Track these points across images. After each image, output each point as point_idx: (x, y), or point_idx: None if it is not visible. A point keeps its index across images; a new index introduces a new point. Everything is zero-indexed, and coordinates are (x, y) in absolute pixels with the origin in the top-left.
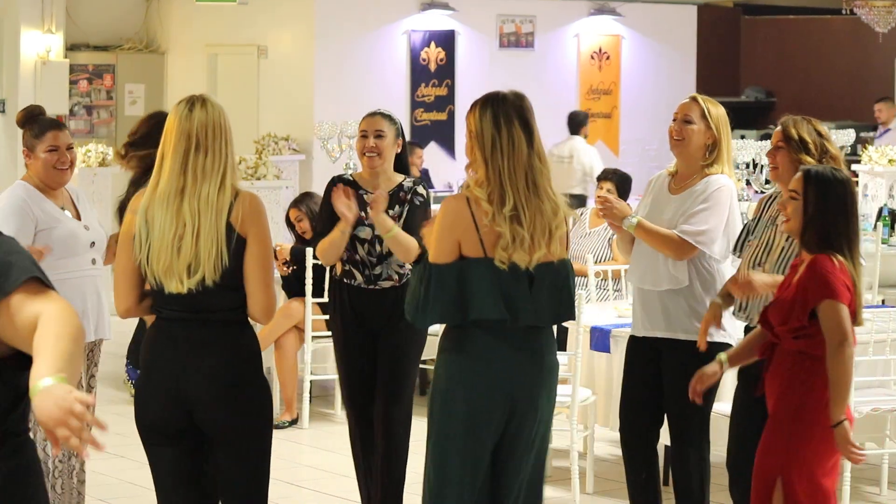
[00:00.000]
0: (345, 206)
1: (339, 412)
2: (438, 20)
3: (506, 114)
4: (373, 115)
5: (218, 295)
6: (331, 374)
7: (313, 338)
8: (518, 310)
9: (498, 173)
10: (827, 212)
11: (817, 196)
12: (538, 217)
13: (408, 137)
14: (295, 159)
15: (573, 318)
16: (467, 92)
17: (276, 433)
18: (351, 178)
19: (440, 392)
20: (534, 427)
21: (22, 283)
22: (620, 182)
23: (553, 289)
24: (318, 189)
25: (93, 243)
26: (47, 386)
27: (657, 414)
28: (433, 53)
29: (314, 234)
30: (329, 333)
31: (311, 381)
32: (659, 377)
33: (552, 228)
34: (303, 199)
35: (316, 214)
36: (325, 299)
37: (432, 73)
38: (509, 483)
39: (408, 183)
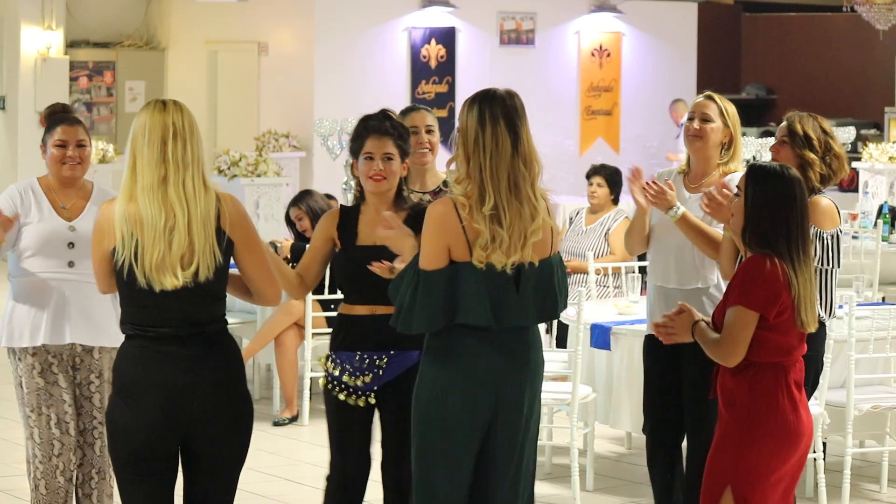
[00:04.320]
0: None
1: None
2: (439, 17)
3: (492, 112)
4: (418, 110)
5: (205, 304)
6: None
7: (313, 335)
8: (504, 312)
9: (479, 171)
10: (764, 209)
11: (756, 193)
12: (517, 220)
13: None
14: (295, 156)
15: (558, 318)
16: (468, 89)
17: (275, 430)
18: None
19: (425, 398)
20: (519, 425)
21: None
22: (610, 177)
23: (538, 288)
24: (318, 186)
25: (71, 244)
26: None
27: (680, 413)
28: (434, 50)
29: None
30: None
31: (311, 378)
32: (680, 376)
33: (527, 234)
34: (303, 197)
35: (316, 212)
36: (326, 296)
37: (433, 70)
38: (497, 483)
39: (451, 178)
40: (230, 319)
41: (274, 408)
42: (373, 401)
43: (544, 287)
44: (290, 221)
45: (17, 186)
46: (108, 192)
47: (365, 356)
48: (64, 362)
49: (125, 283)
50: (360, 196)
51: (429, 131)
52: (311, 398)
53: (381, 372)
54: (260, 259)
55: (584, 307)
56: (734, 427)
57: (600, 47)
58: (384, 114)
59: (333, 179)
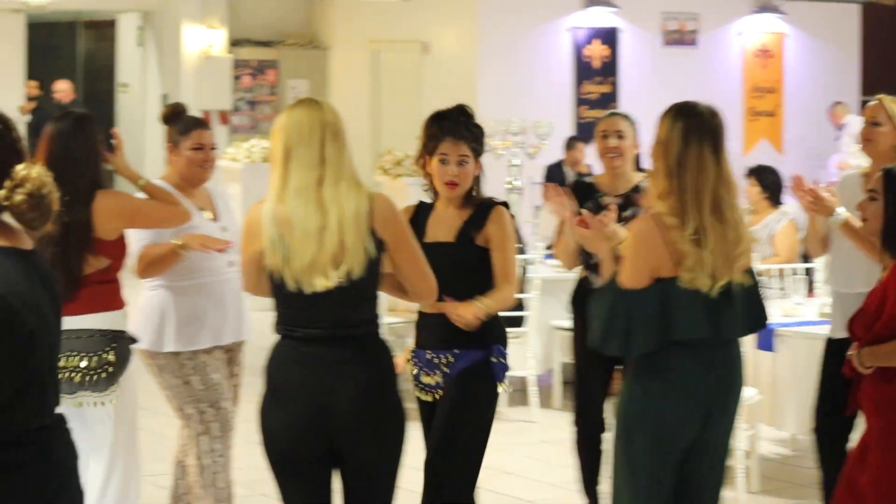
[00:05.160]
0: (556, 205)
1: (505, 409)
2: (602, 17)
3: (698, 130)
4: (612, 115)
5: (355, 305)
6: None
7: None
8: (722, 324)
9: (682, 190)
10: None
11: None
12: (721, 244)
13: (573, 134)
14: None
15: (765, 327)
16: (631, 89)
17: None
18: (591, 181)
19: (634, 413)
20: (725, 442)
21: None
22: (762, 176)
23: (747, 300)
24: (482, 186)
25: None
26: None
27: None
28: (597, 50)
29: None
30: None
31: None
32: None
33: (732, 257)
34: None
35: None
36: None
37: (596, 70)
38: (695, 496)
39: (644, 183)
40: (393, 319)
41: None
42: (438, 397)
43: (752, 298)
44: None
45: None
46: (223, 191)
47: (434, 354)
48: (223, 358)
49: (275, 285)
50: (433, 193)
51: (619, 136)
52: None
53: (447, 370)
54: (413, 256)
55: None
56: (876, 450)
57: (763, 48)
58: (460, 111)
59: (496, 179)
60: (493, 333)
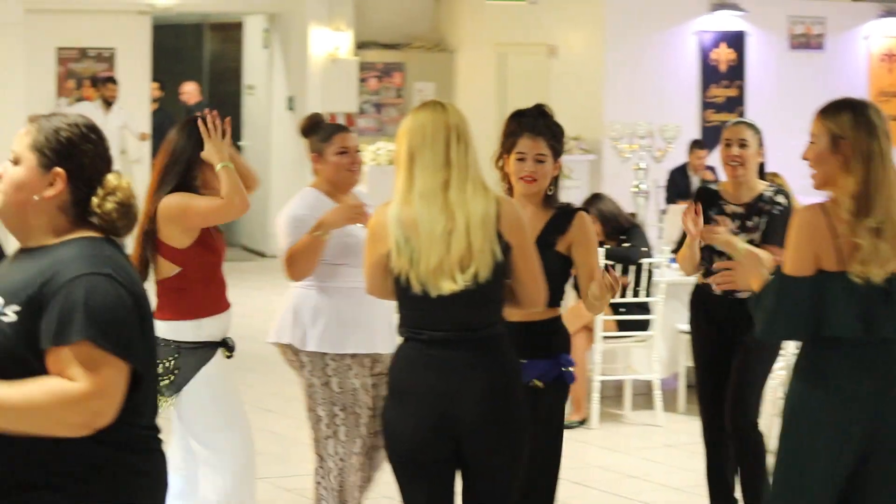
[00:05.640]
0: (691, 223)
1: (629, 413)
2: (728, 21)
3: (879, 125)
4: (736, 124)
5: (480, 308)
6: (620, 374)
7: (604, 338)
8: (875, 324)
9: (868, 184)
10: None
11: None
12: (893, 232)
13: (697, 138)
14: (585, 159)
15: None
16: (757, 93)
17: (564, 433)
18: (716, 188)
19: (795, 415)
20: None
21: (75, 341)
22: None
23: None
24: (608, 189)
25: None
26: None
27: None
28: (723, 54)
29: (677, 245)
30: (620, 334)
31: (600, 382)
32: None
33: None
34: (593, 201)
35: (606, 216)
36: (616, 299)
37: (722, 73)
38: None
39: (768, 192)
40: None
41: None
42: None
43: None
44: None
45: (298, 210)
46: (366, 194)
47: None
48: (368, 366)
49: (400, 287)
50: (510, 192)
51: (742, 145)
52: (600, 401)
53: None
54: (533, 262)
55: None
56: None
57: (890, 52)
58: (539, 111)
59: (623, 183)
60: (559, 342)
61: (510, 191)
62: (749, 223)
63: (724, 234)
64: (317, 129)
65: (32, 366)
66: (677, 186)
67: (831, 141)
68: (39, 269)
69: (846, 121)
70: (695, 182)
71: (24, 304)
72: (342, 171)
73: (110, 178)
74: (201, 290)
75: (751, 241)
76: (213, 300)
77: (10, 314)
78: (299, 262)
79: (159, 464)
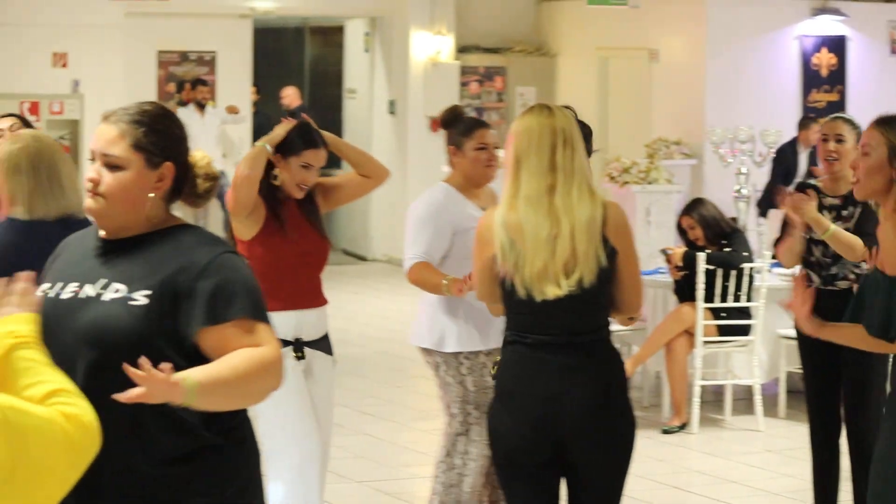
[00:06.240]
0: (791, 211)
1: (730, 418)
2: (830, 26)
3: None
4: (834, 119)
5: (585, 312)
6: (721, 379)
7: (704, 343)
8: None
9: None
10: None
11: None
12: None
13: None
14: (686, 164)
15: None
16: (859, 98)
17: (664, 438)
18: (817, 184)
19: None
20: None
21: (239, 317)
22: None
23: None
24: (710, 194)
25: None
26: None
27: None
28: (824, 59)
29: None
30: (721, 339)
31: (701, 386)
32: None
33: None
34: (694, 206)
35: (708, 221)
36: (717, 304)
37: (824, 78)
38: None
39: None
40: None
41: (663, 415)
42: None
43: None
44: (681, 230)
45: (431, 204)
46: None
47: None
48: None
49: (506, 291)
50: None
51: (839, 140)
52: (700, 406)
53: None
54: (636, 268)
55: None
56: None
57: None
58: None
59: (725, 188)
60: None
61: None
62: (844, 212)
63: (813, 211)
64: (457, 122)
65: (160, 347)
66: (786, 162)
67: (890, 152)
68: (161, 256)
69: None
70: (802, 160)
71: (155, 289)
72: (479, 167)
73: (195, 156)
74: (264, 284)
75: (845, 229)
76: (283, 297)
77: (141, 298)
78: (422, 288)
79: (255, 451)
